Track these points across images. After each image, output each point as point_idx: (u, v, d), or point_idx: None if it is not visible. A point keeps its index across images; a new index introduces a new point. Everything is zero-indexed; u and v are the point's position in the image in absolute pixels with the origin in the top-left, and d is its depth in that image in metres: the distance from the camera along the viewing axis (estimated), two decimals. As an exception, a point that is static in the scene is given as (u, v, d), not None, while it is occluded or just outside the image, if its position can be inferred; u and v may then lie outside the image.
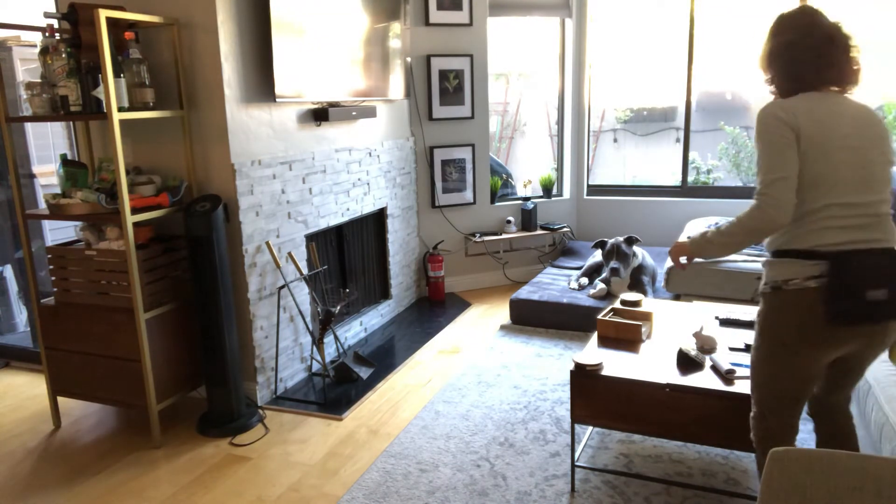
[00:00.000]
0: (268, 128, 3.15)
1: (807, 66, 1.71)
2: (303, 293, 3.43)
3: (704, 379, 2.18)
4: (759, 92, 5.72)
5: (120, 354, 2.81)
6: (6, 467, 2.74)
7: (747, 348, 2.38)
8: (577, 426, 2.83)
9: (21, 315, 4.14)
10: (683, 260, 1.98)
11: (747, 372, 2.19)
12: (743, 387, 2.11)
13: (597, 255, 4.37)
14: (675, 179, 5.38)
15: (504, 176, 5.28)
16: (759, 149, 1.70)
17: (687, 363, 2.30)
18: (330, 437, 2.88)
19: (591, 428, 2.80)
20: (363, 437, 2.86)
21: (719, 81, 5.88)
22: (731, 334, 2.54)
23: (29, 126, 4.07)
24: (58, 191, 2.92)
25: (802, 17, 1.74)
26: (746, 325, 2.62)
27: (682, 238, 4.31)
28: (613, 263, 3.96)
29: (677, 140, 6.09)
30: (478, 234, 4.88)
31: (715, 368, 2.25)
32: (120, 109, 2.60)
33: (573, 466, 2.41)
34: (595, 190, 5.41)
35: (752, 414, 1.88)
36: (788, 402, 1.79)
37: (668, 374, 2.24)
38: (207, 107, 2.92)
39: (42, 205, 3.99)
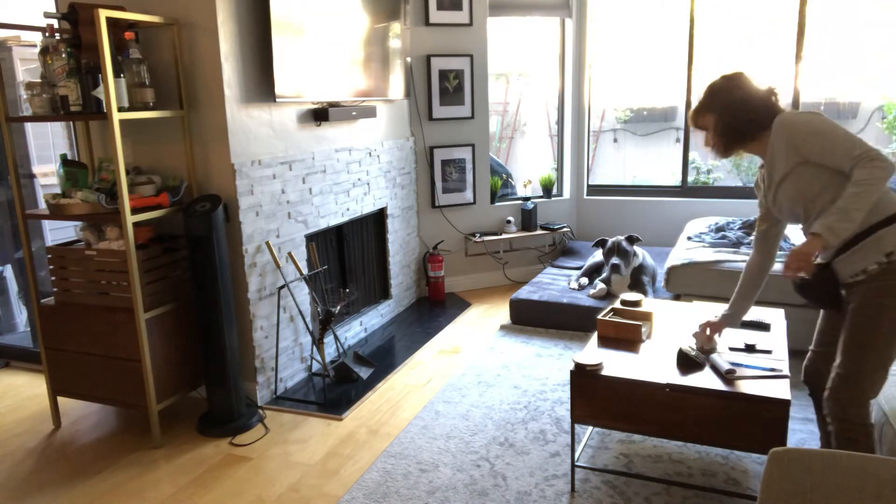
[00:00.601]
0: (268, 128, 3.15)
1: (762, 110, 2.04)
2: (303, 293, 3.43)
3: (704, 379, 2.18)
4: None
5: (120, 354, 2.82)
6: (6, 467, 2.74)
7: (748, 348, 2.38)
8: (577, 426, 2.83)
9: (21, 315, 4.14)
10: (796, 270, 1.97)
11: (748, 372, 2.19)
12: (743, 387, 2.11)
13: (597, 255, 4.37)
14: (675, 179, 5.38)
15: (504, 176, 5.28)
16: (825, 135, 1.90)
17: (687, 363, 2.29)
18: (330, 437, 2.88)
19: (591, 428, 2.80)
20: (363, 437, 2.87)
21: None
22: (731, 334, 2.54)
23: (29, 126, 4.07)
24: (58, 191, 2.92)
25: (739, 78, 2.10)
26: (746, 325, 2.61)
27: (682, 244, 4.31)
28: (614, 260, 3.97)
29: (677, 140, 6.09)
30: (478, 234, 4.88)
31: (715, 368, 2.25)
32: (120, 109, 2.60)
33: (573, 466, 2.41)
34: (595, 190, 5.41)
35: (859, 403, 1.92)
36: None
37: (668, 374, 2.24)
38: (207, 107, 2.92)
39: (42, 205, 3.99)
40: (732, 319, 2.36)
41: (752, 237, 4.01)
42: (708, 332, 2.36)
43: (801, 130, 1.94)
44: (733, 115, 2.06)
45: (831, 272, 2.01)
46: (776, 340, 2.46)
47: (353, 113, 3.68)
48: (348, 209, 3.82)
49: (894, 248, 1.88)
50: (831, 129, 1.90)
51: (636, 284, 4.01)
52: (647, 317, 2.67)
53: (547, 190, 5.23)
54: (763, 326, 2.59)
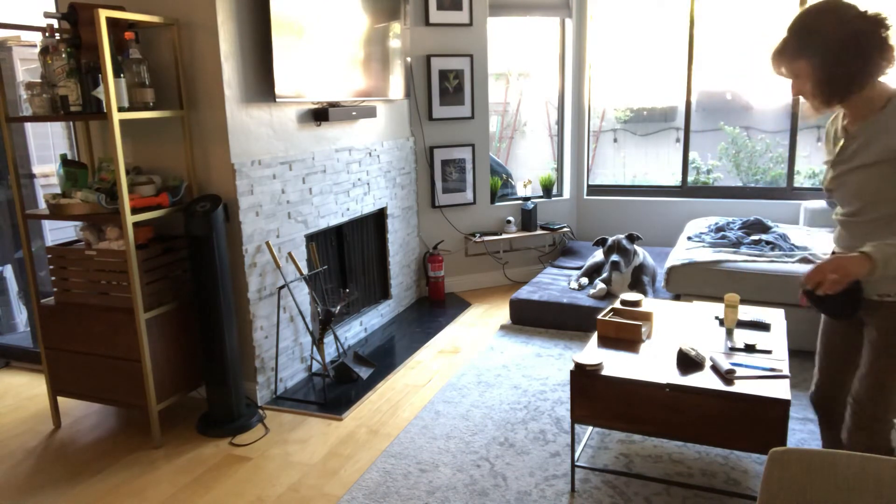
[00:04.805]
0: (268, 128, 3.15)
1: (875, 58, 1.60)
2: (303, 293, 3.43)
3: (704, 379, 2.18)
4: (758, 92, 5.72)
5: (120, 354, 2.81)
6: (6, 467, 2.74)
7: (748, 348, 2.38)
8: (577, 426, 2.83)
9: (21, 315, 4.14)
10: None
11: (748, 372, 2.19)
12: (743, 387, 2.11)
13: (597, 255, 4.37)
14: (675, 179, 5.38)
15: (504, 176, 5.28)
16: None
17: (687, 363, 2.30)
18: (330, 437, 2.88)
19: (591, 428, 2.80)
20: (363, 437, 2.87)
21: (719, 81, 5.88)
22: (730, 334, 2.54)
23: (29, 126, 4.07)
24: (58, 191, 2.92)
25: (852, 7, 1.62)
26: (746, 325, 2.61)
27: (682, 249, 4.29)
28: (614, 257, 3.97)
29: (677, 140, 6.09)
30: (478, 234, 4.88)
31: (715, 368, 2.25)
32: (120, 109, 2.60)
33: (573, 466, 2.41)
34: (595, 190, 5.41)
35: (884, 433, 1.78)
36: None
37: (668, 374, 2.24)
38: (207, 107, 2.92)
39: (42, 205, 3.98)
40: None
41: (752, 237, 4.01)
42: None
43: None
44: (841, 63, 1.62)
45: (857, 284, 1.74)
46: (776, 340, 2.46)
47: (353, 113, 3.68)
48: (348, 209, 3.82)
49: None
50: None
51: (636, 284, 4.01)
52: (647, 317, 2.67)
53: (547, 190, 5.23)
54: (763, 326, 2.59)
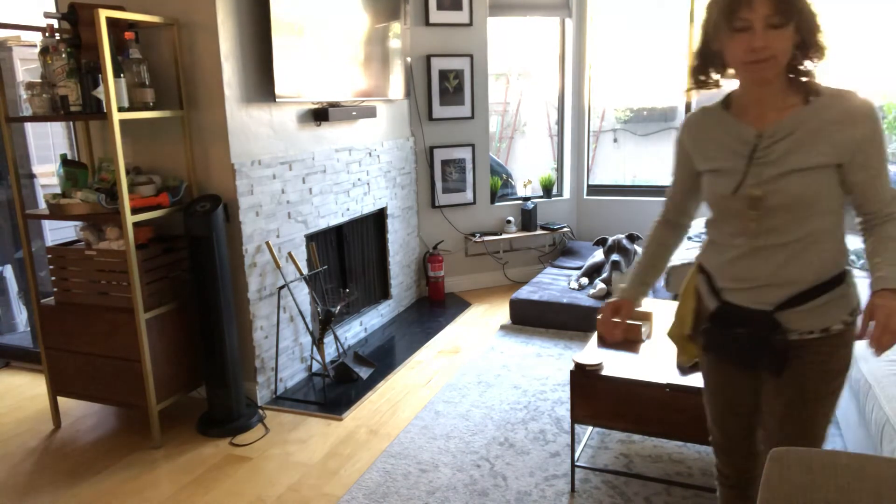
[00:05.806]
0: (268, 128, 3.15)
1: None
2: (303, 293, 3.43)
3: (704, 379, 2.18)
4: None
5: (120, 354, 2.81)
6: (6, 467, 2.74)
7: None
8: (577, 426, 2.83)
9: (21, 315, 4.14)
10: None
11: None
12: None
13: (597, 255, 4.37)
14: (675, 179, 5.37)
15: (504, 176, 5.28)
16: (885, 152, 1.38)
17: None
18: (330, 437, 2.88)
19: (591, 428, 2.80)
20: (363, 437, 2.86)
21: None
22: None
23: (29, 126, 4.07)
24: (58, 191, 2.92)
25: None
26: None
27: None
28: (615, 257, 3.97)
29: (677, 140, 6.08)
30: (478, 234, 4.88)
31: (715, 368, 2.25)
32: (120, 109, 2.60)
33: (573, 466, 2.41)
34: (595, 190, 5.41)
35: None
36: None
37: (668, 374, 2.24)
38: (207, 107, 2.92)
39: (42, 205, 3.98)
40: (640, 295, 1.78)
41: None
42: (617, 319, 1.71)
43: (881, 129, 1.36)
44: (814, 25, 1.38)
45: (775, 325, 1.44)
46: (776, 340, 2.46)
47: (353, 113, 3.68)
48: (348, 209, 3.82)
49: (858, 304, 1.46)
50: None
51: (636, 284, 4.01)
52: (647, 317, 2.67)
53: (547, 190, 5.23)
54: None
